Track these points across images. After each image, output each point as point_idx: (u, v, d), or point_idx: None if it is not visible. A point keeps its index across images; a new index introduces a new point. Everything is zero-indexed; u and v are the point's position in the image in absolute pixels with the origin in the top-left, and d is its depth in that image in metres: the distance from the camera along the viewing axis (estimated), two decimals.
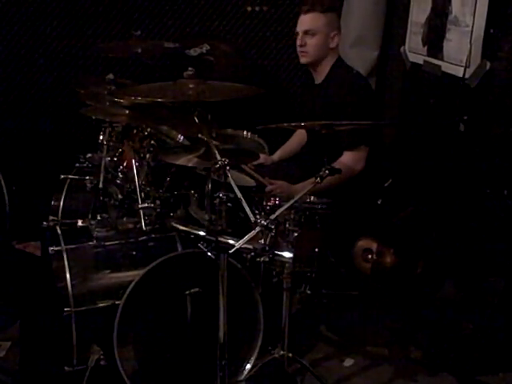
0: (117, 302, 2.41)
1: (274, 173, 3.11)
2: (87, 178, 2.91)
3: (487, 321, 2.83)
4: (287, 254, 2.34)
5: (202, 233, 2.50)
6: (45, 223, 2.89)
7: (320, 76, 3.14)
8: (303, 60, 3.13)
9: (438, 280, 3.03)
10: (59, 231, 2.71)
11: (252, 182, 2.93)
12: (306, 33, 3.05)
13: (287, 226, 2.43)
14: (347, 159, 2.94)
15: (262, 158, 3.15)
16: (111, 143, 2.82)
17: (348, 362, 2.90)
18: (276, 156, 3.40)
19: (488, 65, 2.82)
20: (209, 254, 2.21)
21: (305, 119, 3.11)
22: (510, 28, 2.74)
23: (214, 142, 2.33)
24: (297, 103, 3.67)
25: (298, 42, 3.09)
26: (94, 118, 2.84)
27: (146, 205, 2.57)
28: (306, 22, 3.06)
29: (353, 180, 2.92)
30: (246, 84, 2.59)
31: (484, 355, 2.81)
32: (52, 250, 2.56)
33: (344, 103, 2.94)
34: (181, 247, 2.64)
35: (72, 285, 2.46)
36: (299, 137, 3.43)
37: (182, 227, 2.61)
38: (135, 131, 2.82)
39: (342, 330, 3.12)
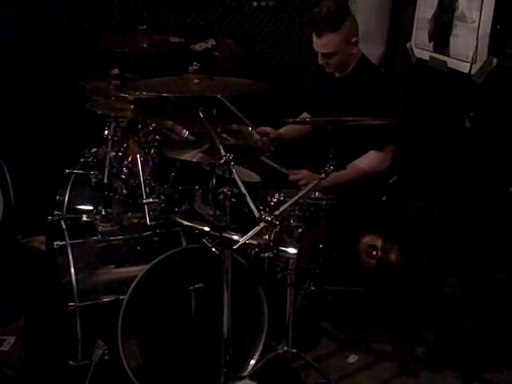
0: (121, 297, 2.42)
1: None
2: (92, 172, 2.92)
3: (492, 318, 2.82)
4: (291, 250, 2.33)
5: (206, 228, 2.49)
6: (50, 218, 2.89)
7: (343, 71, 3.06)
8: (328, 70, 3.06)
9: (442, 277, 3.02)
10: (64, 226, 2.71)
11: (257, 178, 2.92)
12: (324, 55, 2.95)
13: (292, 221, 2.42)
14: (373, 158, 2.89)
15: (270, 129, 3.16)
16: (116, 138, 2.82)
17: (352, 359, 2.90)
18: (282, 130, 3.29)
19: (494, 61, 2.81)
20: (213, 249, 2.21)
21: (323, 111, 3.08)
22: None
23: (219, 137, 2.33)
24: (303, 98, 3.64)
25: (320, 61, 2.99)
26: (99, 112, 2.84)
27: (151, 200, 2.57)
28: (321, 45, 2.91)
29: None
30: (252, 79, 2.58)
31: (488, 352, 2.80)
32: (57, 245, 2.56)
33: (371, 94, 2.88)
34: (185, 242, 2.65)
35: (76, 279, 2.47)
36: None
37: (186, 222, 2.60)
38: (140, 126, 2.82)
39: (346, 327, 3.12)
